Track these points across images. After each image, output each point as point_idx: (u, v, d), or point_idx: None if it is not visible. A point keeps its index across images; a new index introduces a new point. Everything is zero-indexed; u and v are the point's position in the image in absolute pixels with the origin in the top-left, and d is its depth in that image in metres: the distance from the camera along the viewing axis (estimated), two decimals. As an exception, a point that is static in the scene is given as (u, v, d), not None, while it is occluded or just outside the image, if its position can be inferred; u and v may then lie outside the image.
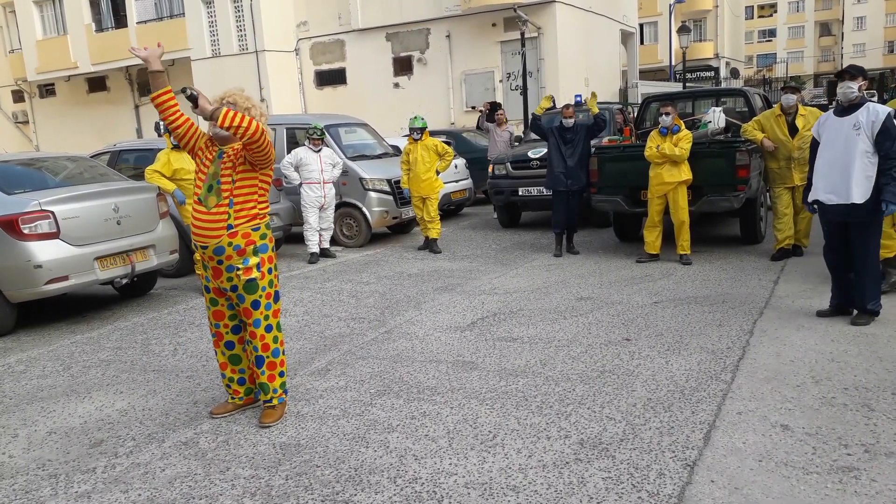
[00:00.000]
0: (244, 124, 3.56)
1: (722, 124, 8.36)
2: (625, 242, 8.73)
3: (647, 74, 33.45)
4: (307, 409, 4.14)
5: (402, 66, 21.74)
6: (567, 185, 8.14)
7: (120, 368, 5.09)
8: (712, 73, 39.40)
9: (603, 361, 4.62)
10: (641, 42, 34.23)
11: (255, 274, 3.79)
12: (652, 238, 7.55)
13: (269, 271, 3.89)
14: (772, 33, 75.82)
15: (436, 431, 3.72)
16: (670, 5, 32.97)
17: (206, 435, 3.86)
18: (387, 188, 9.72)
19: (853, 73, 5.02)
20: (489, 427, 3.73)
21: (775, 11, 75.56)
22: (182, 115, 3.85)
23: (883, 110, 4.89)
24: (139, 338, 5.88)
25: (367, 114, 17.93)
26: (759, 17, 75.37)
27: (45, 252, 5.95)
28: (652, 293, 6.32)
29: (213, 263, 3.81)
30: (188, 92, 3.66)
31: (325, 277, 7.92)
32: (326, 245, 9.21)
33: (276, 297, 3.97)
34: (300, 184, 8.82)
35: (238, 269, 3.76)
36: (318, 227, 9.00)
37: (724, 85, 36.73)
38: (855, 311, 5.14)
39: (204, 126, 4.05)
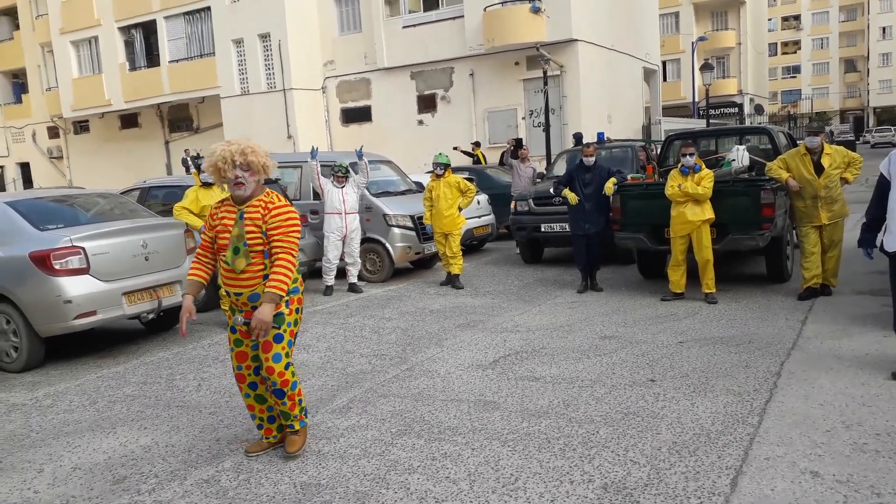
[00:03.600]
0: (292, 268, 3.71)
1: (746, 162, 8.33)
2: (649, 280, 8.67)
3: (670, 111, 33.53)
4: (328, 447, 4.13)
5: (426, 103, 22.04)
6: (585, 229, 8.16)
7: (144, 404, 5.14)
8: (736, 110, 39.39)
9: (627, 403, 4.56)
10: (664, 79, 34.40)
11: (283, 309, 3.83)
12: (676, 277, 7.50)
13: (297, 311, 3.94)
14: (796, 70, 75.74)
15: (457, 473, 3.69)
16: (692, 43, 33.19)
17: (227, 473, 3.86)
18: (410, 224, 9.80)
19: None
20: (511, 470, 3.69)
21: (799, 48, 75.60)
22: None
23: None
24: (164, 373, 5.94)
25: (392, 150, 18.15)
26: (783, 53, 75.43)
27: (75, 287, 6.07)
28: (677, 333, 6.25)
29: (247, 308, 3.84)
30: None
31: (347, 313, 7.95)
32: (354, 279, 9.28)
33: (295, 339, 4.00)
34: (323, 214, 9.04)
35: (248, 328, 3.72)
36: (336, 261, 9.09)
37: (748, 121, 36.65)
38: None
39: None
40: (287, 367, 3.90)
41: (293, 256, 3.74)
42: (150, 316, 6.77)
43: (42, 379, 5.99)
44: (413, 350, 6.20)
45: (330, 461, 3.94)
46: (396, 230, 9.73)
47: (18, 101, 33.61)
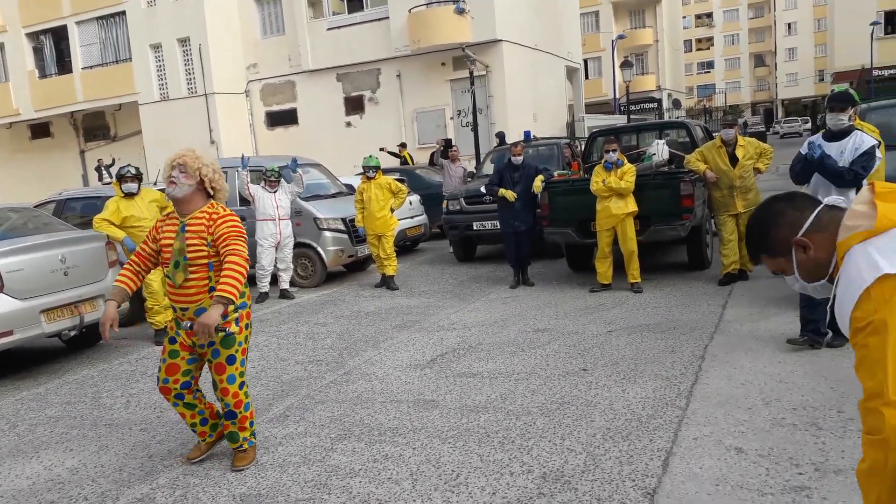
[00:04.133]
0: (243, 275, 3.58)
1: (666, 156, 8.64)
2: (578, 273, 8.89)
3: (592, 108, 34.43)
4: (266, 457, 4.07)
5: (354, 105, 21.92)
6: (514, 226, 8.31)
7: (69, 424, 4.93)
8: (655, 105, 40.80)
9: (562, 393, 4.68)
10: (586, 77, 35.27)
11: (233, 329, 3.72)
12: (603, 268, 7.72)
13: (247, 327, 3.87)
14: (710, 65, 79.06)
15: (399, 474, 3.70)
16: (612, 41, 34.18)
17: (162, 490, 3.76)
18: (342, 227, 9.72)
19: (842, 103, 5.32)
20: (452, 466, 3.73)
21: (712, 45, 78.93)
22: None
23: (868, 141, 5.21)
24: (89, 391, 5.70)
25: (320, 153, 17.95)
26: (698, 49, 78.57)
27: (-11, 307, 5.77)
28: (606, 322, 6.44)
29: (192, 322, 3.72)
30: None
31: (280, 320, 7.83)
32: (286, 285, 9.14)
33: (246, 356, 3.93)
34: (256, 221, 8.84)
35: (218, 324, 3.61)
36: (271, 268, 8.94)
37: (666, 116, 38.01)
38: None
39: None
40: (241, 386, 3.86)
41: (244, 262, 3.62)
42: (72, 333, 6.50)
43: (-45, 405, 5.66)
44: (350, 354, 6.17)
45: (269, 471, 3.88)
46: (328, 234, 9.64)
47: (-84, 112, 31.53)
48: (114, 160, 21.37)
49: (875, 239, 1.59)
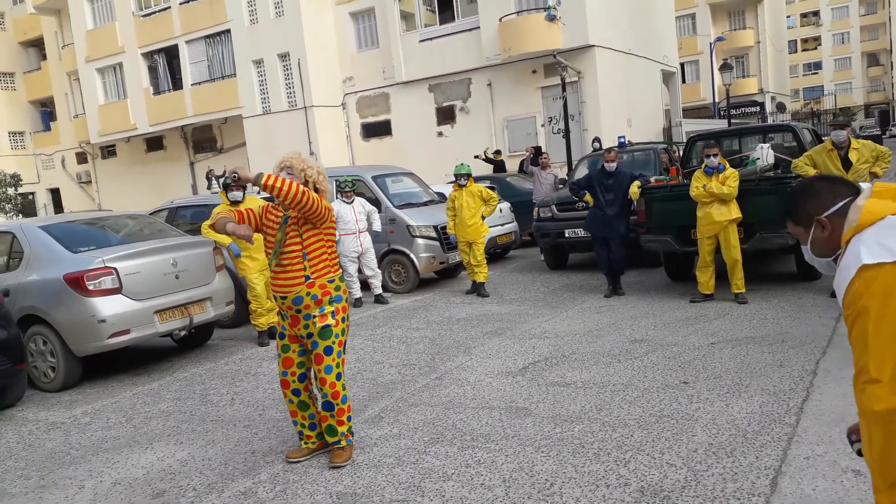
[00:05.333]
0: (285, 187, 3.71)
1: (771, 161, 8.24)
2: (677, 282, 8.59)
3: (690, 112, 33.31)
4: (362, 457, 4.15)
5: (445, 115, 22.15)
6: (605, 234, 8.13)
7: (180, 419, 5.21)
8: (758, 109, 38.99)
9: (661, 406, 4.52)
10: (683, 81, 34.20)
11: (329, 321, 3.97)
12: (705, 278, 7.42)
13: (343, 320, 4.06)
14: (817, 66, 74.78)
15: (491, 480, 3.68)
16: (711, 44, 32.97)
17: (264, 485, 3.90)
18: (433, 234, 9.83)
19: None
20: (546, 475, 3.68)
21: (820, 44, 74.68)
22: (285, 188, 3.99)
23: None
24: (197, 388, 6.01)
25: (412, 163, 18.24)
26: (804, 50, 74.54)
27: (109, 307, 6.19)
28: (708, 334, 6.19)
29: (291, 312, 3.99)
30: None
31: (375, 324, 7.99)
32: (379, 291, 9.33)
33: (345, 348, 4.12)
34: (338, 236, 9.05)
35: (314, 316, 3.94)
36: (356, 275, 9.17)
37: (770, 120, 36.28)
38: None
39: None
40: (338, 377, 4.02)
41: (306, 193, 3.79)
42: (182, 333, 6.87)
43: (79, 397, 6.10)
44: (442, 359, 6.21)
45: (364, 470, 3.96)
46: (420, 241, 9.77)
47: (47, 128, 34.43)
48: (224, 171, 22.48)
49: (862, 233, 1.79)
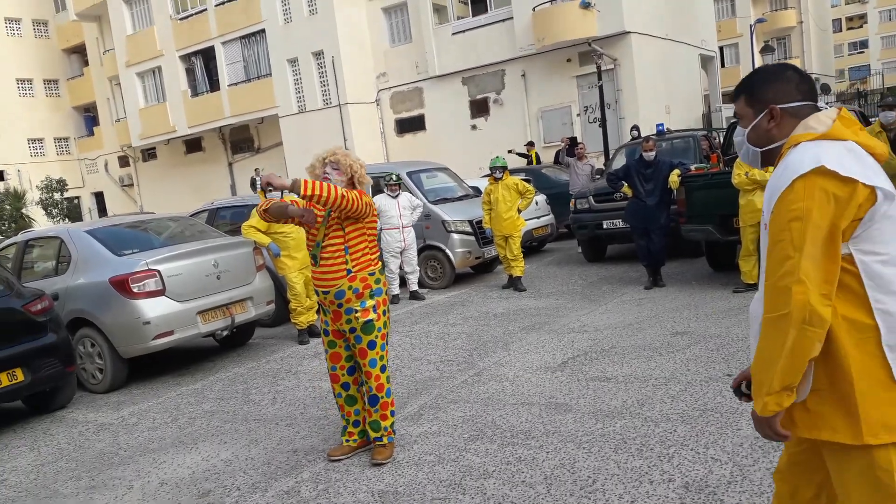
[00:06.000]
0: (325, 193, 3.71)
1: (816, 144, 7.98)
2: (719, 272, 8.41)
3: (730, 97, 32.51)
4: (402, 454, 4.16)
5: (479, 108, 22.06)
6: (645, 224, 8.00)
7: (223, 419, 5.29)
8: (801, 91, 37.83)
9: (704, 399, 4.43)
10: (723, 65, 33.44)
11: (371, 315, 4.00)
12: (748, 267, 7.24)
13: (384, 313, 4.10)
14: (863, 45, 72.25)
15: (533, 477, 3.65)
16: (751, 26, 32.12)
17: (306, 484, 3.94)
18: (469, 229, 9.80)
19: None
20: (588, 472, 3.63)
21: (865, 22, 72.15)
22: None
23: None
24: (240, 388, 6.11)
25: (446, 157, 18.23)
26: (849, 28, 72.09)
27: (153, 309, 6.32)
28: (752, 325, 6.03)
29: (333, 307, 4.02)
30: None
31: (412, 320, 8.01)
32: (415, 287, 9.35)
33: (388, 340, 4.16)
34: (380, 230, 9.04)
35: (356, 311, 3.98)
36: (397, 272, 9.18)
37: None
38: None
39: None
40: (383, 370, 4.08)
41: (345, 193, 3.78)
42: (224, 333, 6.98)
43: (126, 398, 6.25)
44: (480, 355, 6.19)
45: (405, 468, 3.97)
46: (456, 236, 9.75)
47: (90, 133, 35.38)
48: (258, 176, 22.79)
49: (824, 141, 1.78)
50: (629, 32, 18.97)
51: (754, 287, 7.24)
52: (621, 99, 19.44)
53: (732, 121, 11.05)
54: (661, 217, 8.00)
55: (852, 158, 1.74)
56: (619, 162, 11.26)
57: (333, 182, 3.98)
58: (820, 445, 1.84)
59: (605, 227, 10.00)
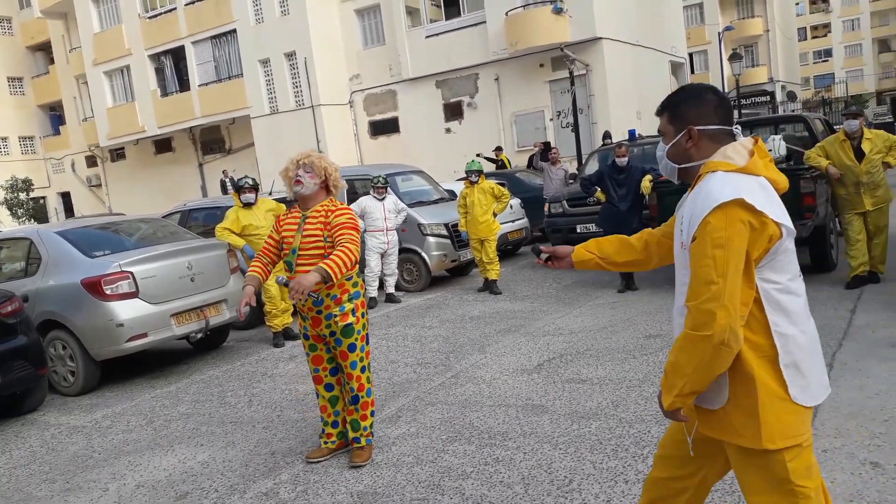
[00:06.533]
0: (348, 265, 3.74)
1: (783, 152, 8.20)
2: (689, 276, 8.57)
3: (699, 103, 33.06)
4: (381, 456, 4.19)
5: (453, 111, 22.15)
6: (617, 229, 8.12)
7: (199, 421, 5.26)
8: (768, 98, 38.73)
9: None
10: (692, 71, 34.04)
11: (350, 319, 4.02)
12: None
13: (363, 315, 4.11)
14: (828, 53, 74.08)
15: (510, 478, 3.71)
16: (719, 33, 32.77)
17: (285, 485, 3.95)
18: (444, 232, 9.86)
19: None
20: (564, 472, 3.70)
21: (830, 31, 73.97)
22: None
23: None
24: (215, 390, 6.07)
25: (421, 160, 18.28)
26: (814, 37, 73.84)
27: (126, 311, 6.26)
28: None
29: (312, 314, 4.02)
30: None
31: (388, 323, 8.03)
32: (392, 290, 9.37)
33: (367, 340, 4.17)
34: (364, 231, 9.04)
35: (335, 315, 3.98)
36: (378, 273, 9.19)
37: (780, 109, 36.04)
38: None
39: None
40: (363, 370, 4.10)
41: (354, 250, 3.81)
42: (199, 335, 6.93)
43: (99, 401, 6.17)
44: (456, 357, 6.24)
45: (384, 470, 4.00)
46: (432, 239, 9.79)
47: (56, 132, 34.71)
48: (232, 174, 22.59)
49: (741, 174, 1.93)
50: (601, 38, 19.23)
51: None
52: (593, 104, 19.69)
53: (702, 127, 11.26)
54: (633, 222, 8.14)
55: (764, 195, 1.92)
56: (592, 167, 11.42)
57: (304, 183, 3.95)
58: (726, 445, 2.09)
59: (578, 231, 10.13)
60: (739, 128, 2.14)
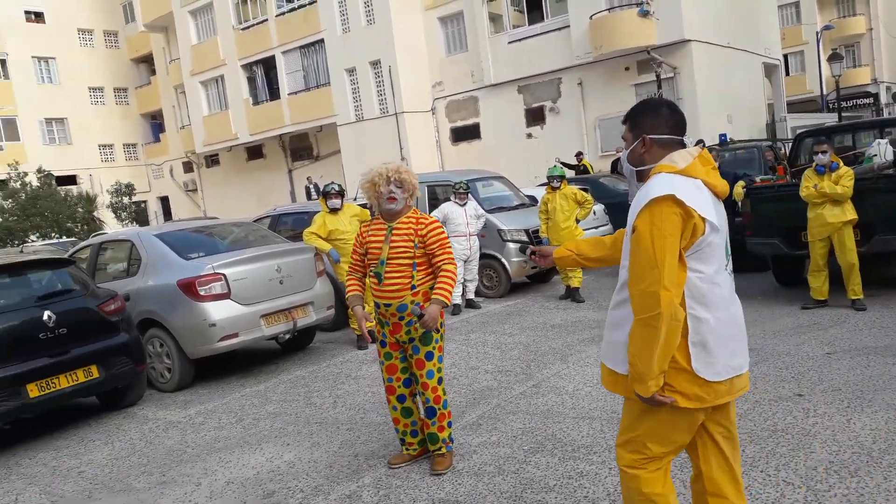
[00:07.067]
0: (454, 281, 4.02)
1: (890, 157, 7.69)
2: (787, 287, 8.16)
3: (795, 106, 31.62)
4: (462, 464, 4.16)
5: (535, 116, 21.99)
6: None
7: (286, 420, 5.40)
8: (871, 100, 36.51)
9: (774, 419, 4.30)
10: (787, 73, 32.52)
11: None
12: (818, 283, 7.01)
13: (441, 325, 4.10)
14: (938, 51, 69.08)
15: (595, 493, 3.61)
16: (817, 33, 31.18)
17: (367, 489, 3.98)
18: (525, 238, 9.77)
19: None
20: (653, 489, 3.56)
21: (940, 27, 68.96)
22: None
23: None
24: (302, 390, 6.22)
25: (501, 166, 18.22)
26: (922, 34, 69.04)
27: (219, 312, 6.50)
28: (823, 343, 5.84)
29: (394, 319, 4.04)
30: (418, 313, 3.94)
31: (468, 329, 8.02)
32: (472, 296, 9.37)
33: (443, 353, 4.17)
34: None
35: (416, 322, 3.99)
36: (461, 279, 9.20)
37: (885, 112, 33.91)
38: None
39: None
40: (440, 382, 4.09)
41: (454, 267, 4.01)
42: (287, 336, 7.12)
43: (193, 398, 6.44)
44: (538, 366, 6.15)
45: (465, 478, 3.97)
46: (512, 245, 9.73)
47: (157, 140, 36.73)
48: (316, 181, 23.23)
49: (679, 176, 2.25)
50: (689, 41, 18.64)
51: (825, 303, 7.01)
52: (682, 108, 18.99)
53: (800, 131, 10.74)
54: None
55: (697, 194, 2.21)
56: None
57: (398, 200, 4.01)
58: (625, 401, 2.50)
59: (664, 238, 9.82)
60: (691, 139, 2.24)
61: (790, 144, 10.71)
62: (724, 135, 12.71)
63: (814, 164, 6.96)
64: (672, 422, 2.34)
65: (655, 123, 2.38)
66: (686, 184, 2.21)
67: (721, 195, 2.32)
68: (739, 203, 7.72)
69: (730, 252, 2.37)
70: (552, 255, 2.90)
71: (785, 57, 29.97)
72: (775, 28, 25.95)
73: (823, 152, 6.81)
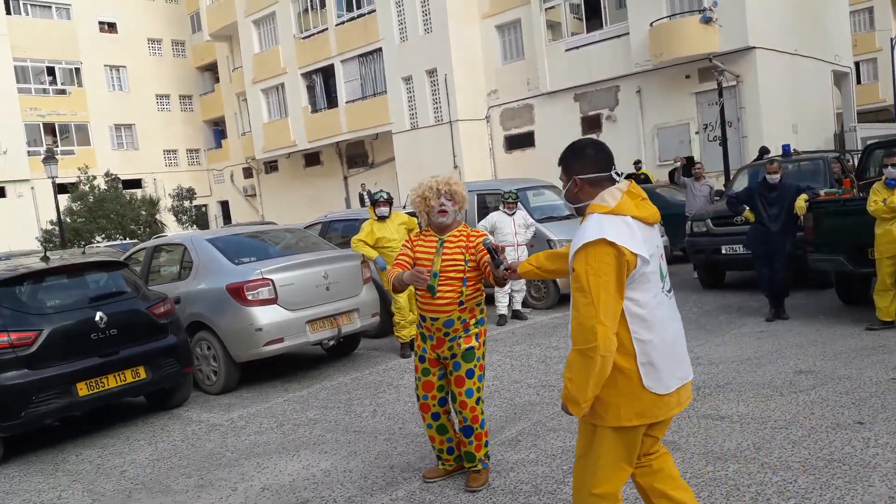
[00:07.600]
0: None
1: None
2: (850, 307, 7.75)
3: (866, 116, 30.28)
4: (498, 481, 4.06)
5: (591, 124, 21.65)
6: (767, 252, 7.48)
7: (325, 427, 5.40)
8: (949, 109, 34.65)
9: (830, 448, 4.05)
10: (858, 81, 31.19)
11: (473, 343, 3.94)
12: (885, 303, 6.62)
13: (483, 343, 4.01)
14: None
15: (635, 518, 3.45)
16: (891, 39, 29.81)
17: (401, 502, 3.92)
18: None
19: None
20: (696, 518, 3.38)
21: None
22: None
23: None
24: (343, 397, 6.22)
25: (555, 174, 17.87)
26: None
27: (265, 316, 6.57)
28: (889, 367, 5.49)
29: (438, 334, 3.95)
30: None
31: (513, 340, 7.89)
32: (518, 306, 9.23)
33: (484, 372, 4.06)
34: None
35: (460, 338, 3.91)
36: (509, 289, 9.07)
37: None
38: None
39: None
40: (478, 402, 3.97)
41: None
42: (331, 342, 7.14)
43: (237, 401, 6.52)
44: (584, 381, 5.97)
45: (500, 496, 3.87)
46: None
47: (219, 146, 37.79)
48: (369, 189, 23.41)
49: (608, 216, 2.43)
50: (754, 48, 18.05)
51: (891, 325, 6.62)
52: (744, 117, 18.50)
53: (869, 142, 10.22)
54: (785, 244, 7.47)
55: (626, 231, 2.40)
56: (741, 184, 10.65)
57: (449, 213, 3.95)
58: (580, 422, 2.67)
59: (723, 252, 9.48)
60: (620, 172, 2.60)
61: (859, 156, 10.21)
62: (788, 145, 12.18)
63: (883, 178, 6.59)
64: (622, 444, 2.55)
65: (583, 165, 2.58)
66: (614, 223, 2.40)
67: (653, 222, 2.51)
68: (801, 217, 7.38)
69: (666, 275, 2.60)
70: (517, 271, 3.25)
71: (856, 64, 28.77)
72: (846, 34, 24.94)
73: (894, 165, 6.44)
